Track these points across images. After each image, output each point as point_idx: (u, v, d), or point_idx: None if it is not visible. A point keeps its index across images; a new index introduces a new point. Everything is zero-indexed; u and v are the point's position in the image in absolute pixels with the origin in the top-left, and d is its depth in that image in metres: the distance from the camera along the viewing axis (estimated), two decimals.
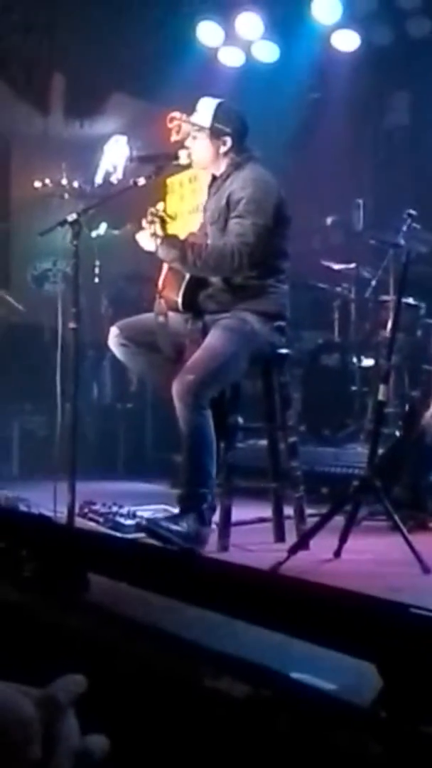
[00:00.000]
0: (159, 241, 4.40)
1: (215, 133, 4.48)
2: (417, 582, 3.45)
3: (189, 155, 4.53)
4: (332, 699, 1.23)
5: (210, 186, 4.69)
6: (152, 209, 4.48)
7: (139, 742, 1.19)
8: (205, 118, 4.49)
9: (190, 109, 4.60)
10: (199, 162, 4.57)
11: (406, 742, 1.08)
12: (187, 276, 4.44)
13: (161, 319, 4.44)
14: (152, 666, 1.39)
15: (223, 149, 4.50)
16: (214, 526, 4.31)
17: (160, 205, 4.54)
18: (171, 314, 4.49)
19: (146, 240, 4.47)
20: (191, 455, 4.21)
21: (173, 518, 4.20)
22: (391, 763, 1.06)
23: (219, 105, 4.53)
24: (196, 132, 4.49)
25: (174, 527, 4.08)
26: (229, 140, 4.49)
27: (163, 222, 4.46)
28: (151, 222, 4.44)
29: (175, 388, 4.14)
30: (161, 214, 4.48)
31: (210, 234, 4.55)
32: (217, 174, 4.57)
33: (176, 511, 4.26)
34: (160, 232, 4.41)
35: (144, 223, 4.47)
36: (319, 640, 1.32)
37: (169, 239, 4.43)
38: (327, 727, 1.15)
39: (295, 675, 1.32)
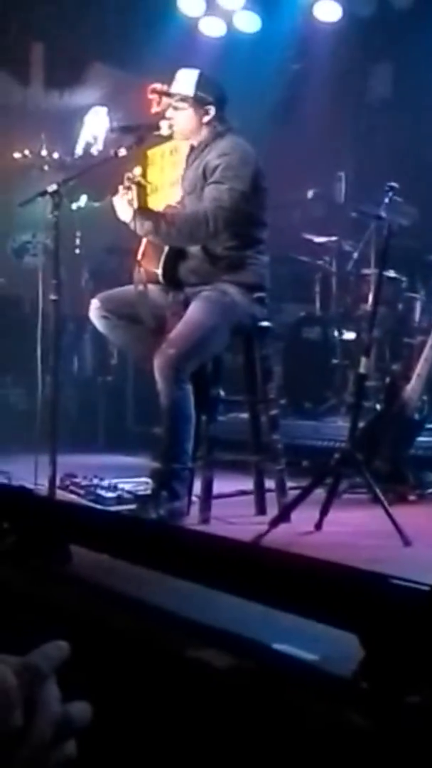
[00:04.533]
0: (133, 213, 4.36)
1: (199, 102, 4.46)
2: (397, 554, 3.47)
3: (170, 126, 4.49)
4: (314, 669, 1.23)
5: (188, 156, 4.66)
6: (129, 174, 4.43)
7: (121, 711, 1.19)
8: (188, 88, 4.46)
9: (170, 80, 4.56)
10: (182, 132, 4.53)
11: (387, 712, 1.08)
12: (167, 248, 4.41)
13: (141, 287, 4.42)
14: (134, 637, 1.39)
15: (206, 119, 4.48)
16: (195, 498, 4.32)
17: (137, 170, 4.48)
18: (151, 286, 4.47)
19: (122, 208, 4.42)
20: (169, 429, 4.21)
21: (144, 504, 4.19)
22: (372, 733, 1.06)
23: (201, 74, 4.50)
24: (178, 102, 4.45)
25: (144, 516, 4.07)
26: (212, 109, 4.47)
27: (139, 187, 4.42)
28: (128, 188, 4.39)
29: (156, 363, 4.13)
30: (138, 179, 4.43)
31: (187, 204, 4.53)
32: (196, 144, 4.55)
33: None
34: (136, 201, 4.37)
35: (120, 189, 4.43)
36: (301, 611, 1.32)
37: (142, 211, 4.39)
38: (309, 698, 1.15)
39: (277, 646, 1.33)
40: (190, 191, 4.52)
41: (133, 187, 4.39)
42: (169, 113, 4.48)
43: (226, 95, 4.58)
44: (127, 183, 4.41)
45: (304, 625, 1.31)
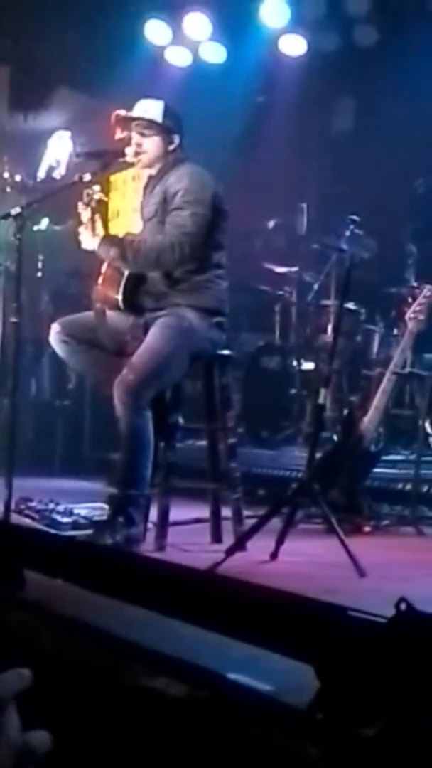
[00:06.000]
0: (98, 240, 4.37)
1: (166, 130, 4.48)
2: (352, 585, 3.46)
3: (136, 153, 4.50)
4: (269, 700, 1.23)
5: (146, 186, 4.68)
6: (88, 191, 4.45)
7: (76, 738, 1.18)
8: (157, 114, 4.47)
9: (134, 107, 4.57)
10: (147, 159, 4.52)
11: (342, 744, 1.08)
12: (126, 274, 4.42)
13: (98, 305, 4.42)
14: (88, 664, 1.38)
15: (170, 147, 4.50)
16: (151, 525, 4.30)
17: (96, 187, 4.49)
18: (111, 312, 4.46)
19: (86, 237, 4.43)
20: (128, 456, 4.20)
21: (100, 530, 4.16)
22: (326, 765, 1.06)
23: (166, 104, 4.53)
24: (144, 129, 4.47)
25: (100, 541, 4.04)
26: (177, 138, 4.50)
27: (99, 204, 4.44)
28: (87, 204, 4.41)
29: (116, 390, 4.11)
30: (99, 195, 4.45)
31: (147, 231, 4.54)
32: (154, 173, 4.57)
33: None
34: (101, 225, 4.39)
35: (80, 205, 4.44)
36: (257, 641, 1.31)
37: (107, 238, 4.41)
38: (263, 728, 1.15)
39: (232, 675, 1.32)
40: (149, 218, 4.53)
41: (93, 203, 4.41)
42: (136, 139, 4.48)
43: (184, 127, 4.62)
44: (86, 199, 4.42)
45: (259, 655, 1.30)
